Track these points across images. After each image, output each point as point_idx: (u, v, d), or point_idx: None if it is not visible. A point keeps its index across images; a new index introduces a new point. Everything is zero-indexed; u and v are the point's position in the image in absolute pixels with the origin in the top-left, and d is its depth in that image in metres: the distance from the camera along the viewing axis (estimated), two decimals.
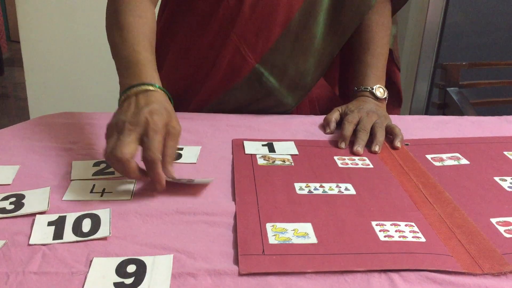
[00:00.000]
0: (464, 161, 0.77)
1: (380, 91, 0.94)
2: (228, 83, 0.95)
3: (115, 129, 0.65)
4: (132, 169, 0.62)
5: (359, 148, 0.81)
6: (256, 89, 0.95)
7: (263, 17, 0.92)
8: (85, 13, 2.02)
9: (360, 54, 0.98)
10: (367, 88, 0.95)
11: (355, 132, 0.85)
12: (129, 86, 0.69)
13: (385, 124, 0.86)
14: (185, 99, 0.97)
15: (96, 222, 0.58)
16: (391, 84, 1.10)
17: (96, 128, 0.88)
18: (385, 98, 0.95)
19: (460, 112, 1.20)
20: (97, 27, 2.03)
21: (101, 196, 0.65)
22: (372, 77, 0.96)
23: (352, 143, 0.83)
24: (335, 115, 0.91)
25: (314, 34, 0.94)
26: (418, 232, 0.57)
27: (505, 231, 0.58)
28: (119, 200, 0.64)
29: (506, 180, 0.71)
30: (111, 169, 0.72)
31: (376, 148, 0.81)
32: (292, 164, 0.75)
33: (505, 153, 0.80)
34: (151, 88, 0.69)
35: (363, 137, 0.83)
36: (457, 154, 0.80)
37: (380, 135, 0.83)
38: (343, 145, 0.82)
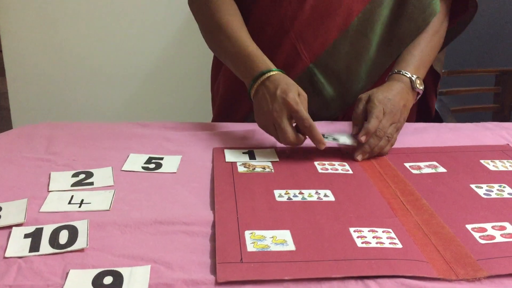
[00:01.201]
0: (441, 169, 0.78)
1: (418, 82, 0.90)
2: None
3: (268, 121, 0.80)
4: (301, 142, 0.79)
5: (359, 156, 0.80)
6: (306, 88, 0.94)
7: (323, 19, 0.94)
8: (68, 22, 2.01)
9: (410, 47, 0.95)
10: (407, 74, 0.90)
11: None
12: (254, 78, 0.85)
13: (391, 135, 0.83)
14: (242, 95, 0.95)
15: (73, 233, 0.57)
16: (427, 110, 1.10)
17: (78, 139, 0.88)
18: (419, 91, 0.91)
19: (439, 119, 1.21)
20: (80, 36, 2.02)
21: (79, 207, 0.64)
22: (414, 67, 0.92)
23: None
24: (375, 125, 0.82)
25: (370, 42, 0.95)
26: (395, 239, 0.58)
27: (480, 237, 0.59)
28: (98, 211, 0.63)
29: (482, 188, 0.72)
30: (90, 180, 0.72)
31: (359, 157, 0.81)
32: (272, 171, 0.76)
33: (481, 161, 0.81)
34: (270, 73, 0.84)
35: (371, 144, 0.80)
36: (435, 163, 0.81)
37: (378, 147, 0.81)
38: (363, 138, 0.80)
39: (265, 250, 0.55)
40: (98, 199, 0.66)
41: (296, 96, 0.80)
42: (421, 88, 0.91)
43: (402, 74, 0.91)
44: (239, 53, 0.89)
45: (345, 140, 0.83)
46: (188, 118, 1.24)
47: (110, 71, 2.07)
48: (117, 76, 2.08)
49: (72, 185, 0.70)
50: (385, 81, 0.92)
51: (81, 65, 2.05)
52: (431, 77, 1.09)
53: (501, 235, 0.59)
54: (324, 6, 0.93)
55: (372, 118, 0.81)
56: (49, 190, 0.69)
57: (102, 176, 0.73)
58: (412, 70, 0.92)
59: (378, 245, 0.56)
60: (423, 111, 1.11)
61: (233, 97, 1.05)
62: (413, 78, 0.90)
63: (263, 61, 0.87)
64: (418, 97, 0.93)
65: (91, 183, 0.71)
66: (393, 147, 0.86)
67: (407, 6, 0.94)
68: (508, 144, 0.90)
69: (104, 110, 2.11)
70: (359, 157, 0.80)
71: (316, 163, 0.79)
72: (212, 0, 0.95)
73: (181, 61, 2.07)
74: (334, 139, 0.82)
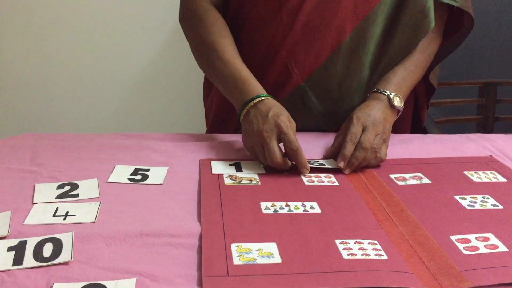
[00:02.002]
0: (426, 181, 0.79)
1: (397, 99, 0.91)
2: None
3: (257, 140, 0.80)
4: (287, 165, 0.79)
5: (346, 171, 0.80)
6: (297, 106, 0.96)
7: (314, 37, 0.93)
8: (54, 33, 2.00)
9: (394, 66, 0.96)
10: (386, 92, 0.92)
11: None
12: (246, 101, 0.85)
13: (378, 148, 0.83)
14: (235, 111, 0.94)
15: (57, 246, 0.57)
16: (418, 121, 1.11)
17: (63, 150, 0.87)
18: (399, 109, 0.92)
19: (424, 130, 1.23)
20: (66, 47, 2.01)
21: (64, 219, 0.64)
22: (394, 85, 0.93)
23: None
24: (351, 149, 0.82)
25: (362, 60, 0.95)
26: (380, 250, 0.58)
27: (464, 248, 0.60)
28: (83, 223, 0.63)
29: (466, 199, 0.73)
30: (76, 191, 0.72)
31: (346, 171, 0.80)
32: (259, 183, 0.76)
33: (465, 172, 0.83)
34: (262, 97, 0.85)
35: (357, 156, 0.80)
36: (420, 174, 0.82)
37: (364, 160, 0.81)
38: (341, 164, 0.80)
39: (252, 263, 0.54)
40: (83, 211, 0.66)
41: (287, 120, 0.81)
42: (399, 105, 0.91)
43: (381, 93, 0.92)
44: (231, 77, 0.89)
45: (331, 164, 0.82)
46: (181, 130, 1.23)
47: (98, 81, 2.06)
48: (105, 86, 2.07)
49: (57, 197, 0.70)
50: (366, 99, 0.93)
51: (67, 75, 2.04)
52: (425, 90, 1.10)
53: (485, 246, 0.60)
54: (316, 24, 0.92)
55: (347, 143, 0.82)
56: (34, 202, 0.68)
57: (88, 187, 0.73)
58: (392, 88, 0.93)
59: (364, 257, 0.57)
60: (414, 122, 1.12)
61: (227, 113, 1.05)
62: (391, 96, 0.91)
63: (255, 86, 0.87)
64: (399, 114, 0.93)
65: (76, 195, 0.71)
66: None
67: (399, 24, 0.94)
68: (491, 156, 0.91)
69: (93, 120, 2.09)
70: (346, 171, 0.81)
71: (302, 175, 0.79)
72: (204, 19, 0.95)
73: (173, 71, 2.07)
74: (321, 164, 0.82)
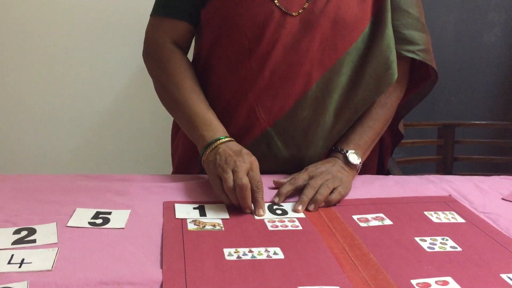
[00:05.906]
0: (387, 221, 0.81)
1: (354, 157, 0.95)
2: (238, 142, 0.94)
3: (226, 166, 0.83)
4: (249, 195, 0.80)
5: (299, 206, 0.83)
6: (263, 151, 0.97)
7: (282, 84, 0.95)
8: (14, 66, 1.96)
9: (354, 123, 1.00)
10: (342, 150, 0.96)
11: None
12: (215, 138, 0.90)
13: (331, 186, 0.87)
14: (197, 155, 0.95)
15: None
16: (382, 167, 1.14)
17: (21, 192, 0.85)
18: (356, 165, 0.95)
19: (387, 171, 1.26)
20: (28, 81, 1.97)
21: (20, 267, 0.61)
22: (351, 142, 0.97)
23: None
24: (288, 189, 0.87)
25: (327, 108, 0.97)
26: None
27: None
28: (39, 271, 0.61)
29: (426, 241, 0.74)
30: (33, 237, 0.69)
31: (299, 207, 0.83)
32: (223, 229, 0.75)
33: (425, 213, 0.85)
34: (230, 139, 0.90)
35: (307, 193, 0.85)
36: (381, 215, 0.83)
37: (319, 194, 0.85)
38: (276, 199, 0.85)
39: None
40: (39, 258, 0.63)
41: (257, 161, 0.85)
42: (356, 162, 0.95)
43: (338, 151, 0.97)
44: (197, 115, 0.93)
45: (291, 213, 0.83)
46: (148, 171, 1.20)
47: (62, 118, 2.01)
48: (69, 124, 2.02)
49: (13, 243, 0.67)
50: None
51: (29, 112, 1.98)
52: (391, 138, 1.13)
53: None
54: (284, 71, 0.95)
55: (285, 184, 0.88)
56: None
57: (46, 232, 0.71)
58: (350, 146, 0.97)
59: None
60: (378, 166, 1.15)
61: (193, 154, 1.05)
62: (347, 154, 0.95)
63: (222, 127, 0.92)
64: (358, 170, 0.96)
65: (33, 241, 0.68)
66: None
67: (364, 75, 0.97)
68: (450, 195, 0.94)
69: (54, 161, 2.03)
70: (299, 207, 0.83)
71: (266, 220, 0.79)
72: (170, 60, 0.98)
73: (140, 110, 2.04)
74: (283, 211, 0.83)
